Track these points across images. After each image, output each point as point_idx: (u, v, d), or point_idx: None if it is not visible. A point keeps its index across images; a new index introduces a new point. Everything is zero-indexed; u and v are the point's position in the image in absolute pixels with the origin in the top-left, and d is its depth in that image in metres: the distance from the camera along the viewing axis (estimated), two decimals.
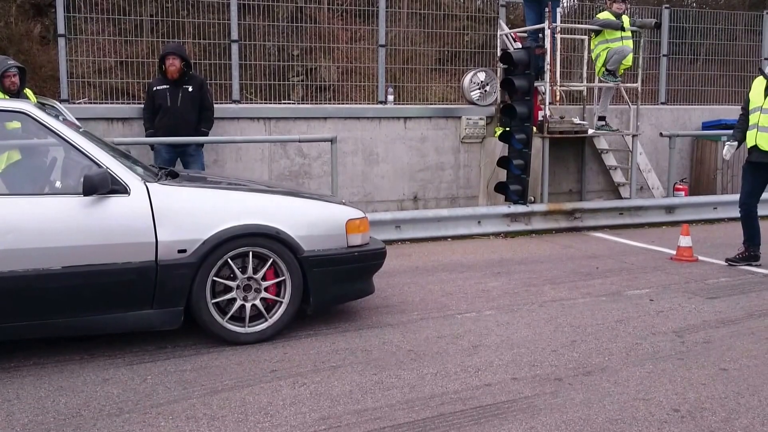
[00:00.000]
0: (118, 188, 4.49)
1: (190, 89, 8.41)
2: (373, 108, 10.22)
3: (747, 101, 7.27)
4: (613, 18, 9.56)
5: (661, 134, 10.61)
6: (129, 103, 9.29)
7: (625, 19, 9.70)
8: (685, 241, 7.65)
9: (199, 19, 9.73)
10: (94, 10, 9.35)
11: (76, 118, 7.28)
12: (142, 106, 8.67)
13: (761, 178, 7.20)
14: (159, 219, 4.54)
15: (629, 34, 9.68)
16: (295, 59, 10.49)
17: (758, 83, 7.16)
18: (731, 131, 7.56)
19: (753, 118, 7.10)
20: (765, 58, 12.84)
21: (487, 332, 5.17)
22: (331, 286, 5.12)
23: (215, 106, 8.94)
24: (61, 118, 5.32)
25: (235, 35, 9.63)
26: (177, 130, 8.24)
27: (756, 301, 6.03)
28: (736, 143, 7.36)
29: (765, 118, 6.97)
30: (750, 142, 7.12)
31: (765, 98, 6.99)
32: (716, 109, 12.25)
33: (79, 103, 9.05)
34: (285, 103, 10.05)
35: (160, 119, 8.35)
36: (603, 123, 10.32)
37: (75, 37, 9.25)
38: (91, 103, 9.20)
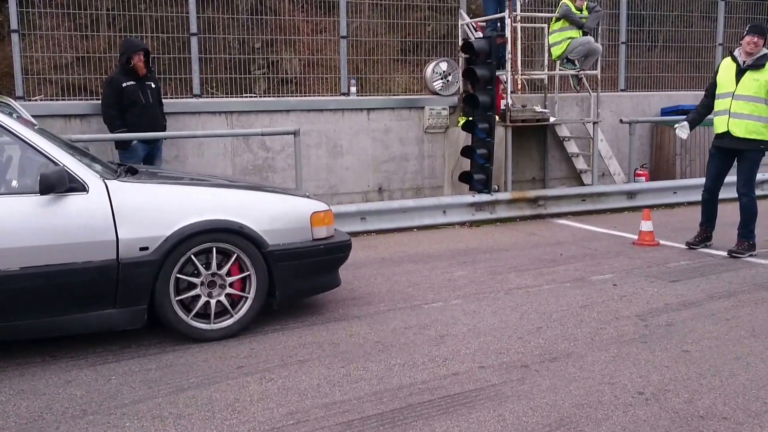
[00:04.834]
0: (76, 186, 4.41)
1: (153, 85, 8.37)
2: (336, 100, 10.18)
3: (713, 85, 7.21)
4: (575, 10, 9.65)
5: (621, 121, 10.73)
6: (87, 100, 9.10)
7: (585, 11, 9.81)
8: (646, 225, 7.76)
9: (157, 13, 9.58)
10: (49, 5, 9.15)
11: (33, 116, 7.12)
12: (102, 103, 8.40)
13: (728, 163, 7.23)
14: (119, 216, 4.47)
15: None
16: (257, 52, 10.38)
17: (727, 67, 7.08)
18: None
19: (723, 104, 7.03)
20: (719, 44, 13.05)
21: (453, 321, 5.19)
22: (296, 280, 5.10)
23: (177, 100, 8.83)
24: (15, 115, 5.21)
25: (194, 28, 9.50)
26: (153, 126, 8.20)
27: (716, 283, 6.15)
28: (687, 124, 7.39)
29: (737, 104, 6.90)
30: (721, 128, 7.05)
31: (737, 84, 6.92)
32: (674, 95, 12.43)
33: (35, 100, 8.86)
34: (247, 97, 9.96)
35: (137, 116, 8.18)
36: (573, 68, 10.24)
37: (30, 32, 9.05)
38: (47, 99, 9.01)
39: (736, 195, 7.24)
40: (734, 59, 7.02)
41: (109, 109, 8.29)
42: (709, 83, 7.34)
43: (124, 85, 8.18)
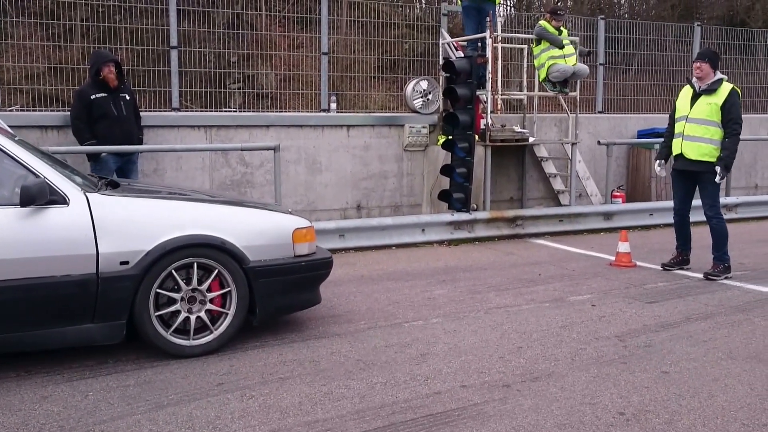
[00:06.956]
0: (57, 199, 4.35)
1: (128, 97, 8.25)
2: (316, 116, 10.18)
3: (674, 110, 7.46)
4: (552, 30, 9.76)
5: (598, 142, 10.86)
6: (62, 111, 8.98)
7: (564, 31, 9.94)
8: (623, 247, 7.83)
9: (132, 25, 9.50)
10: (23, 14, 9.04)
11: (9, 126, 7.02)
12: (71, 115, 8.25)
13: (690, 184, 7.38)
14: (100, 230, 4.41)
15: (571, 50, 9.84)
16: (233, 66, 10.35)
17: (685, 92, 7.33)
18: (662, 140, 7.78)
19: (678, 127, 7.27)
20: None
21: (434, 340, 5.18)
22: (277, 297, 5.06)
23: (155, 113, 8.75)
24: None
25: (174, 41, 9.44)
26: (127, 139, 8.06)
27: (693, 305, 6.21)
28: (663, 161, 7.59)
29: (690, 127, 7.13)
30: (676, 150, 7.27)
31: (691, 108, 7.16)
32: (650, 118, 12.60)
33: (11, 110, 8.74)
34: (226, 111, 9.91)
35: (108, 128, 8.04)
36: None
37: (2, 42, 8.93)
38: (21, 110, 8.88)
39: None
40: (692, 85, 7.26)
41: (76, 122, 8.15)
42: (671, 110, 7.54)
43: (92, 97, 8.04)
